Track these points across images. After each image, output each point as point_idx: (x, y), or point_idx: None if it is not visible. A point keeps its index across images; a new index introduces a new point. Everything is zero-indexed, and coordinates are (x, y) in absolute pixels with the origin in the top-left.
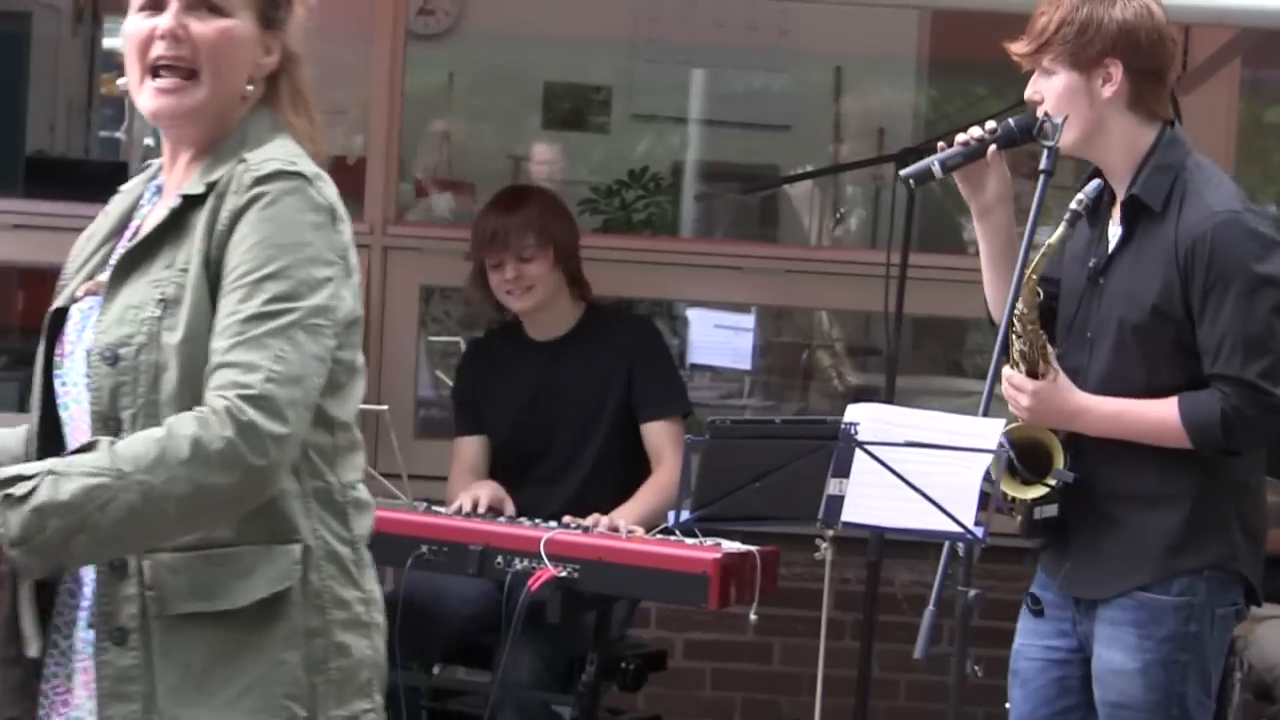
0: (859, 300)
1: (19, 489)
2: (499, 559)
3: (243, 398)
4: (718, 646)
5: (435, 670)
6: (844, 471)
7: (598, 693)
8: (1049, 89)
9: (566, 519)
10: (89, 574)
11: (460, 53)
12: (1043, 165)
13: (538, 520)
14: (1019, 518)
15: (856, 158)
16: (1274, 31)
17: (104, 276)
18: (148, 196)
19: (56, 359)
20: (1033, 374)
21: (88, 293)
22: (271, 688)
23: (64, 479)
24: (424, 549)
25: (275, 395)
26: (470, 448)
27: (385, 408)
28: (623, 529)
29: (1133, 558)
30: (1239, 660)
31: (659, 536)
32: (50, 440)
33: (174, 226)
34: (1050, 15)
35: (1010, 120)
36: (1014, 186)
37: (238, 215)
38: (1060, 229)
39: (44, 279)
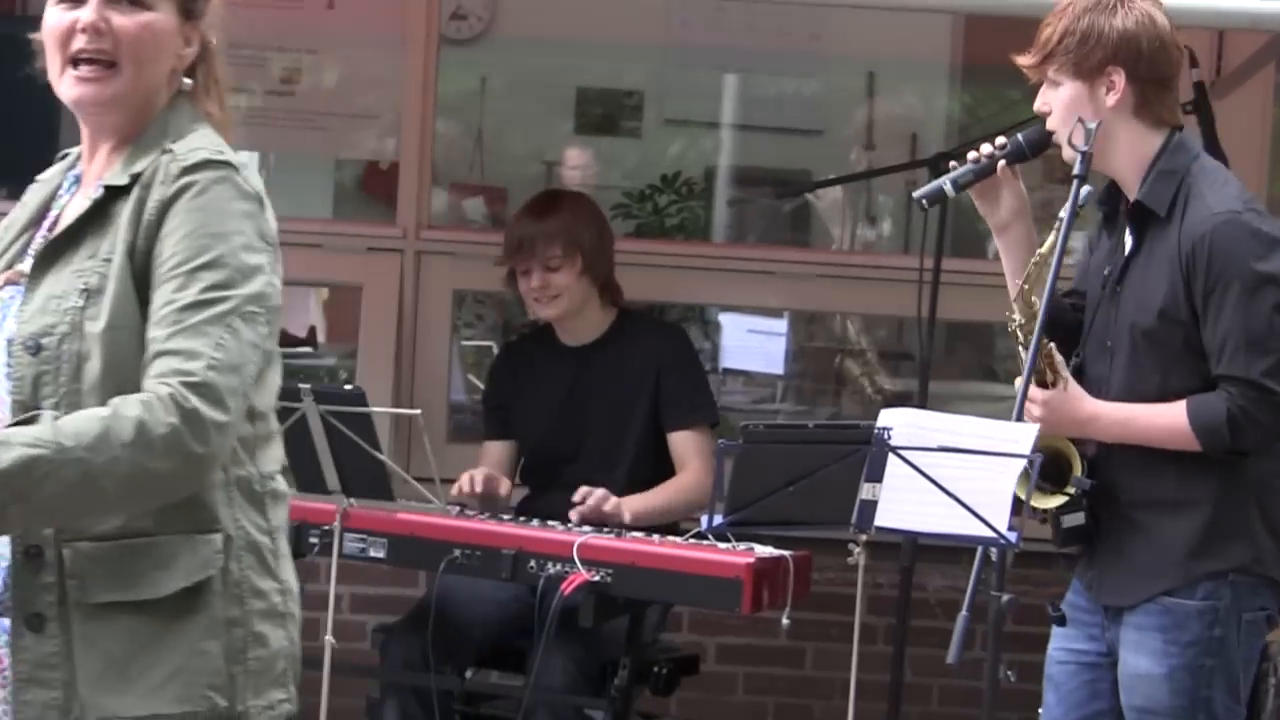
0: (892, 305)
1: None
2: (532, 563)
3: (186, 385)
4: (750, 651)
5: (468, 674)
6: (877, 476)
7: (630, 697)
8: (1056, 99)
9: (583, 490)
10: (1, 562)
11: (493, 57)
12: (1076, 170)
13: (570, 525)
14: (1051, 526)
15: (889, 163)
16: None
17: (24, 266)
18: (66, 186)
19: None
20: (1042, 383)
21: (8, 282)
22: (193, 677)
23: (4, 448)
24: (457, 553)
25: (217, 383)
26: (495, 452)
27: (418, 412)
28: (624, 514)
29: (1156, 563)
30: (1272, 666)
31: (692, 541)
32: None
33: (97, 217)
34: (1054, 26)
35: (1019, 135)
36: (1049, 192)
37: (167, 205)
38: (1050, 238)
39: None
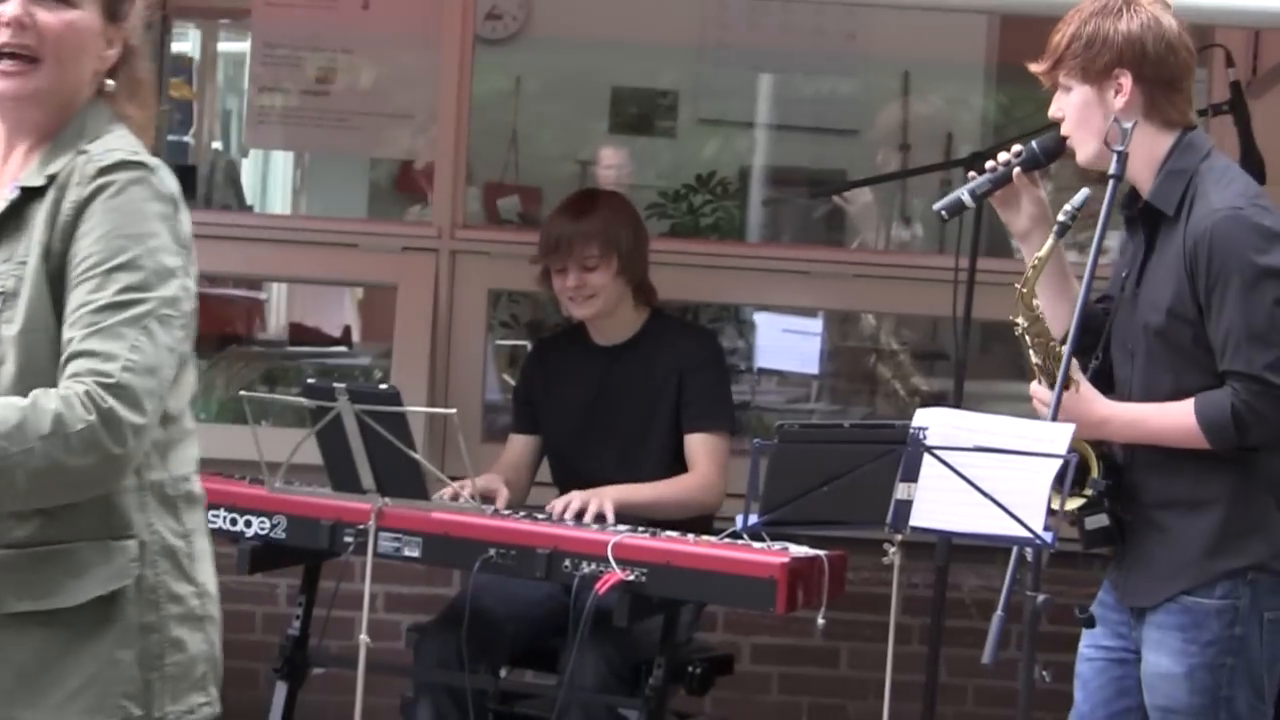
0: (927, 305)
1: None
2: (566, 562)
3: (102, 385)
4: (785, 651)
5: (502, 673)
6: (912, 476)
7: (664, 696)
8: (1068, 105)
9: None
10: None
11: (527, 57)
12: (1112, 170)
13: (608, 524)
14: (1077, 528)
15: (924, 163)
16: None
17: None
18: None
19: None
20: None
21: None
22: (107, 686)
23: None
24: (491, 552)
25: (133, 385)
26: (518, 446)
27: (453, 411)
28: (604, 509)
29: (1175, 563)
30: None
31: (726, 540)
32: None
33: (12, 218)
34: (1063, 32)
35: (1033, 142)
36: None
37: (82, 206)
38: (1050, 241)
39: None
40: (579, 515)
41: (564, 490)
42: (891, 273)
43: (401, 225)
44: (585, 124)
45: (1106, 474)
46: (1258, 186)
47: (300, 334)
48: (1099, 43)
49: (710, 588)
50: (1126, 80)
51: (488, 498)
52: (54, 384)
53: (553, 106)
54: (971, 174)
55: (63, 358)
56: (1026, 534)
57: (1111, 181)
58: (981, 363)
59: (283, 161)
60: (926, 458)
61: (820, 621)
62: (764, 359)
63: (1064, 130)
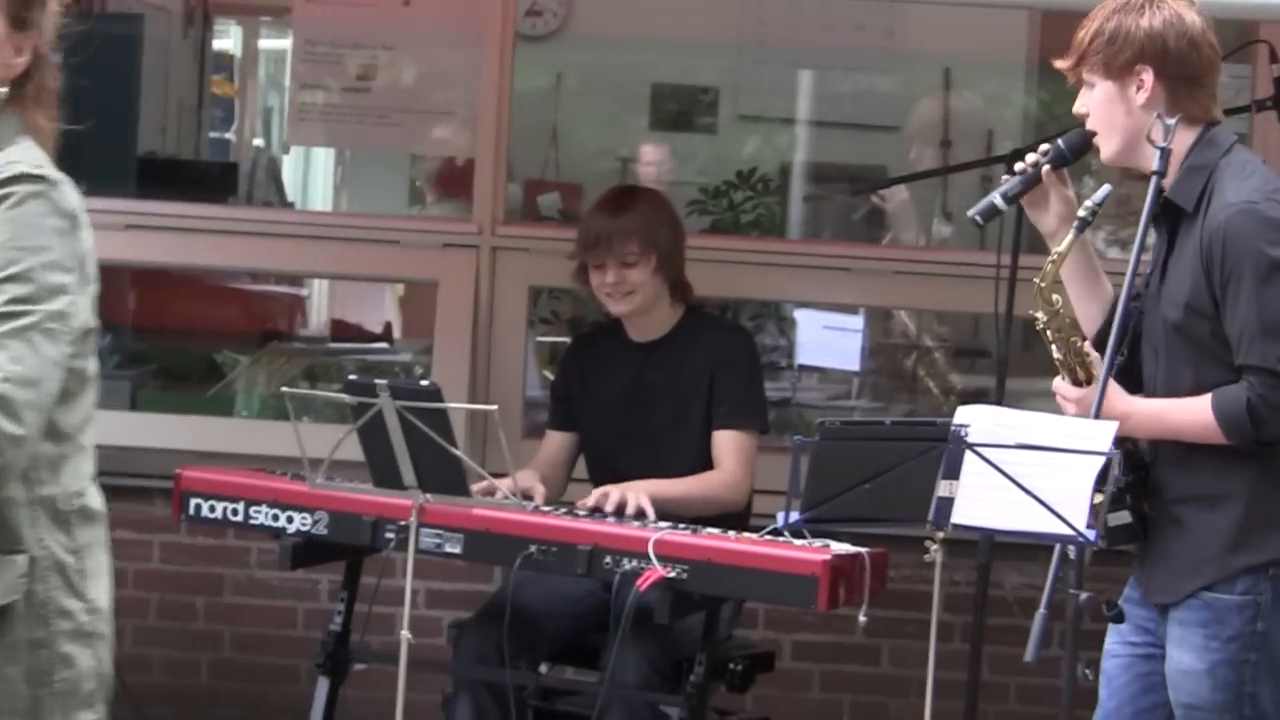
0: (968, 302)
1: None
2: (607, 559)
3: None
4: (826, 648)
5: (542, 669)
6: (954, 473)
7: (706, 693)
8: (1092, 101)
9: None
10: None
11: (568, 54)
12: (1155, 166)
13: (648, 521)
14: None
15: (965, 159)
16: None
17: None
18: None
19: None
20: (1075, 381)
21: None
22: None
23: None
24: (533, 549)
25: (12, 396)
26: (554, 442)
27: (494, 408)
28: (643, 504)
29: (1195, 559)
30: None
31: (768, 537)
32: None
33: None
34: (1086, 29)
35: (1060, 140)
36: (1126, 188)
37: None
38: (1069, 236)
39: (155, 279)
40: (619, 510)
41: (598, 486)
42: (933, 269)
43: (442, 222)
44: (625, 120)
45: (1131, 470)
46: (1277, 181)
47: (341, 330)
48: (1121, 39)
49: (751, 585)
50: (1148, 76)
51: (525, 495)
52: None
53: (593, 103)
54: (1005, 176)
55: None
56: (1069, 532)
57: (1154, 178)
58: (1023, 360)
59: (324, 158)
60: (968, 455)
61: (862, 619)
62: (804, 356)
63: (1088, 126)
